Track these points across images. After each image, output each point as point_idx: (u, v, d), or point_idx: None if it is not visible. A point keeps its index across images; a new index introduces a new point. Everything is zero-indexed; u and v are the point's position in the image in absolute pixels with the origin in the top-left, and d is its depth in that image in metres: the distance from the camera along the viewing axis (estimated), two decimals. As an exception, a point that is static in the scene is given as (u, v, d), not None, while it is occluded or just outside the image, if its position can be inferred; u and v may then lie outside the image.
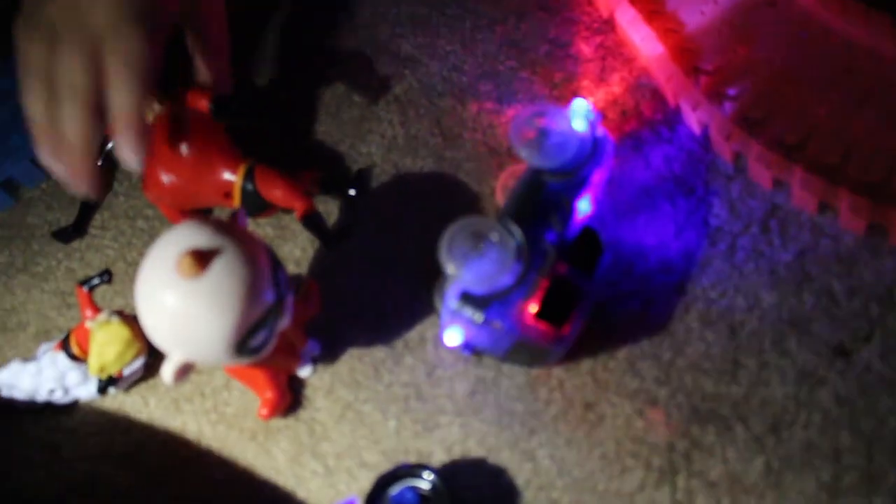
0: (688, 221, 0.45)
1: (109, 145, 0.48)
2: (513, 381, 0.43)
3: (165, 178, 0.46)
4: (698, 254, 0.44)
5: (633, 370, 0.42)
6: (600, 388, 0.41)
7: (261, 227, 0.50)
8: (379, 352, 0.45)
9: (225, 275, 0.35)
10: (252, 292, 0.36)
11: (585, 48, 0.52)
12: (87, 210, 0.54)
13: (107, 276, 0.46)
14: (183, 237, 0.36)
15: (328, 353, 0.45)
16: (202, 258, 0.35)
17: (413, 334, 0.45)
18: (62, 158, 0.40)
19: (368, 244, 0.48)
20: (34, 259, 0.53)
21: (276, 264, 0.38)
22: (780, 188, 0.45)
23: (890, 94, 0.45)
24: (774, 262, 0.43)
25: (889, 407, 0.39)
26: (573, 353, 0.42)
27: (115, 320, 0.44)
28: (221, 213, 0.50)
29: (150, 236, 0.52)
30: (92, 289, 0.46)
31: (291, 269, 0.48)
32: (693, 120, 0.47)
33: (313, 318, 0.45)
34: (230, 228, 0.37)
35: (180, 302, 0.35)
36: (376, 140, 0.51)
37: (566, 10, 0.53)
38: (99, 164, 0.41)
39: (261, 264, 0.37)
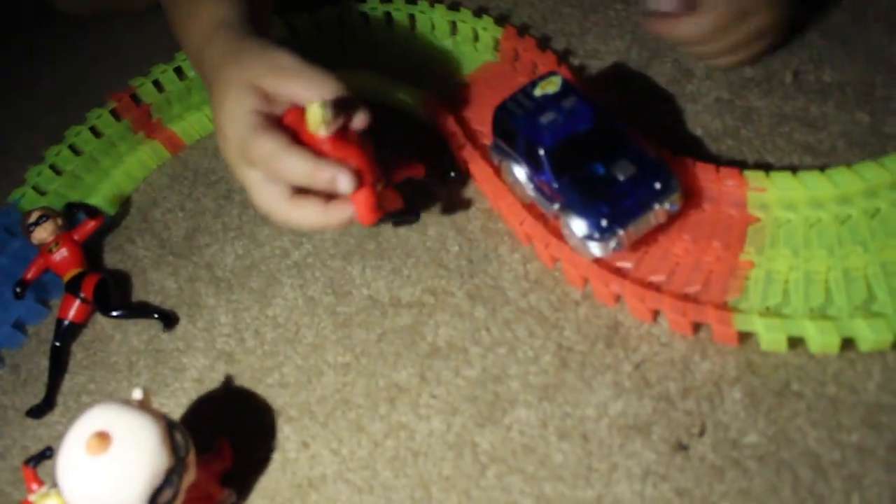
0: (542, 347, 0.51)
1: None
2: (401, 508, 0.48)
3: None
4: (553, 374, 0.50)
5: (501, 485, 0.47)
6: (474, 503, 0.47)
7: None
8: (286, 491, 0.51)
9: (126, 448, 0.42)
10: (151, 459, 0.43)
11: (455, 198, 0.60)
12: (53, 386, 0.61)
13: (49, 452, 0.52)
14: (90, 421, 0.43)
15: (243, 498, 0.51)
16: (105, 438, 0.42)
17: (315, 473, 0.51)
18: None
19: (272, 395, 0.54)
20: (-7, 440, 0.60)
21: (173, 430, 0.45)
22: (620, 306, 0.52)
23: (699, 219, 0.52)
24: (619, 373, 0.49)
25: (721, 492, 0.44)
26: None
27: (54, 492, 0.50)
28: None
29: (93, 409, 0.59)
30: (36, 465, 0.52)
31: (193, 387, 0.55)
32: (545, 256, 0.54)
33: (227, 470, 0.51)
34: (130, 407, 0.44)
35: (92, 477, 0.42)
36: (280, 303, 0.58)
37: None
38: None
39: (157, 434, 0.43)
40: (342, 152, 0.49)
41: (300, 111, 0.49)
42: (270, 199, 0.50)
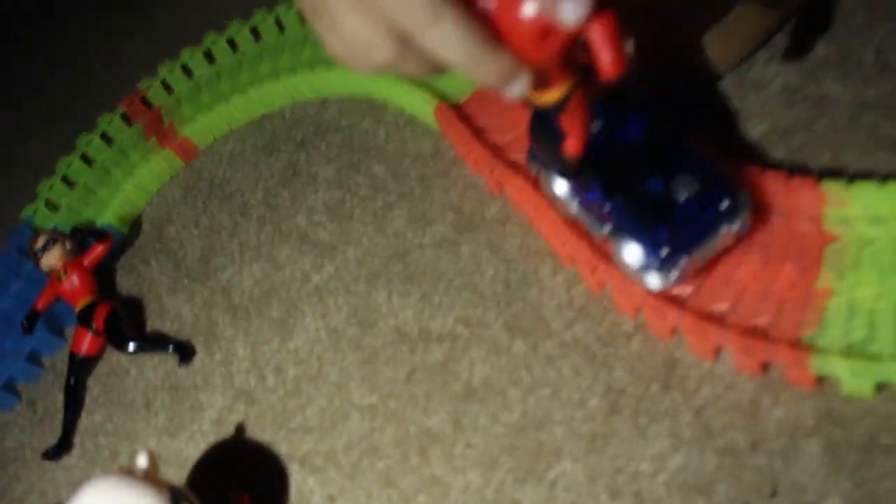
0: (590, 389, 0.46)
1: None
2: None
3: None
4: (602, 421, 0.45)
5: (546, 553, 0.42)
6: (517, 575, 0.42)
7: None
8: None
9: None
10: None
11: (489, 213, 0.54)
12: (69, 426, 0.57)
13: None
14: (85, 501, 0.39)
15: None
16: None
17: (343, 533, 0.46)
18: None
19: (295, 441, 0.50)
20: (11, 485, 0.57)
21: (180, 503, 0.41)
22: (678, 339, 0.46)
23: (768, 237, 0.45)
24: (677, 421, 0.43)
25: (800, 568, 0.39)
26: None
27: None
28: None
29: (111, 451, 0.55)
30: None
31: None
32: (592, 282, 0.48)
33: (249, 529, 0.47)
34: (129, 482, 0.40)
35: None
36: (301, 335, 0.54)
37: (466, 176, 0.55)
38: None
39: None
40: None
41: None
42: None
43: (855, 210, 0.44)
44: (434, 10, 0.30)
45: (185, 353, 0.56)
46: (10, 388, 0.61)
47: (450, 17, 0.31)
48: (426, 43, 0.31)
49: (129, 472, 0.42)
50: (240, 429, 0.52)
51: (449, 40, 0.31)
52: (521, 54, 0.32)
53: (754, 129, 0.52)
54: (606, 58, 0.32)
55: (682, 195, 0.43)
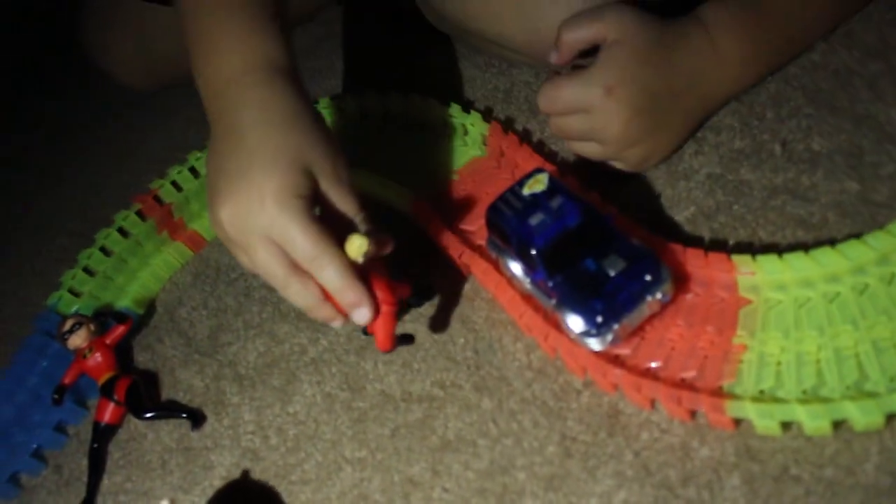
0: (547, 437, 0.53)
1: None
2: None
3: None
4: (558, 464, 0.52)
5: (512, 579, 0.49)
6: None
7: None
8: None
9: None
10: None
11: (460, 290, 0.62)
12: (93, 487, 0.64)
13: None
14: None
15: None
16: None
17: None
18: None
19: (295, 492, 0.57)
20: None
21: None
22: (620, 393, 0.53)
23: (692, 303, 0.54)
24: (621, 462, 0.51)
25: (723, 583, 0.46)
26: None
27: None
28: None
29: (128, 513, 0.62)
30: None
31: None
32: (546, 347, 0.56)
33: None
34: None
35: None
36: (300, 400, 0.61)
37: (433, 254, 0.63)
38: None
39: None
40: (369, 281, 0.51)
41: None
42: (273, 262, 0.49)
43: (761, 278, 0.53)
44: (316, 252, 0.48)
45: (196, 418, 0.63)
46: (38, 456, 0.68)
47: (329, 259, 0.48)
48: (311, 272, 0.49)
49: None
50: (246, 482, 0.59)
51: (331, 275, 0.49)
52: None
53: (684, 211, 0.61)
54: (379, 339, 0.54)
55: (612, 272, 0.52)
